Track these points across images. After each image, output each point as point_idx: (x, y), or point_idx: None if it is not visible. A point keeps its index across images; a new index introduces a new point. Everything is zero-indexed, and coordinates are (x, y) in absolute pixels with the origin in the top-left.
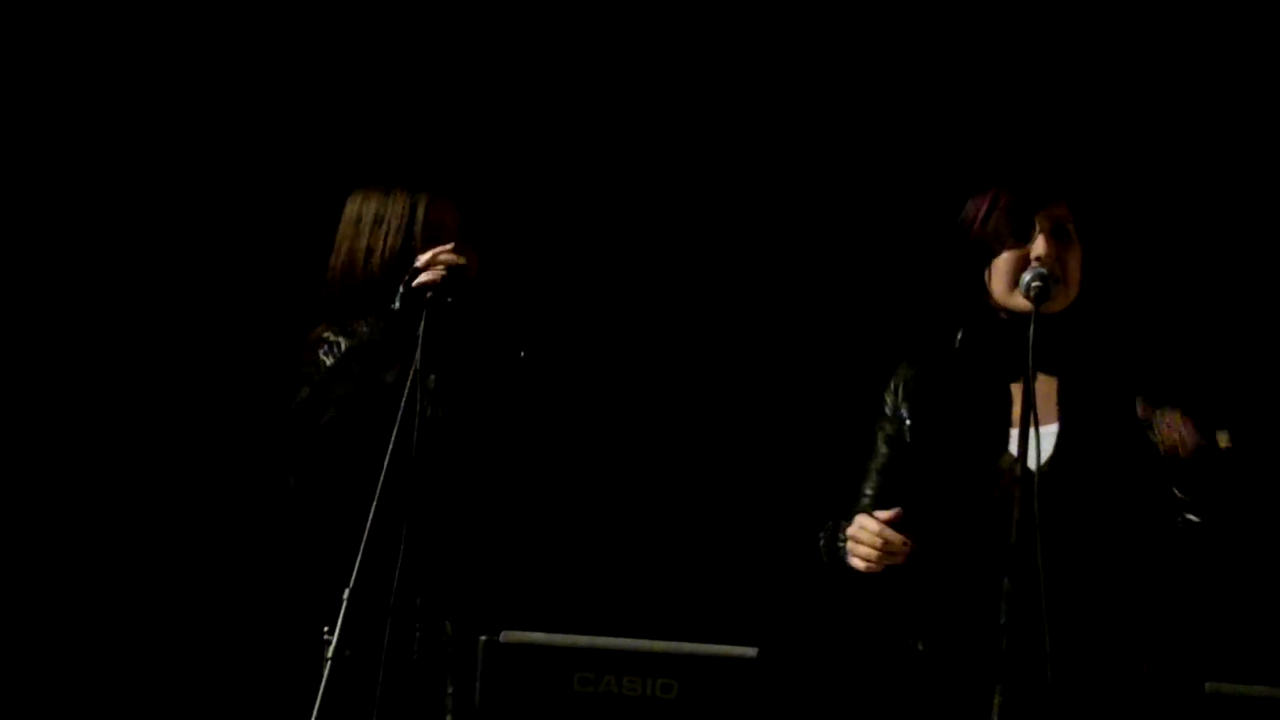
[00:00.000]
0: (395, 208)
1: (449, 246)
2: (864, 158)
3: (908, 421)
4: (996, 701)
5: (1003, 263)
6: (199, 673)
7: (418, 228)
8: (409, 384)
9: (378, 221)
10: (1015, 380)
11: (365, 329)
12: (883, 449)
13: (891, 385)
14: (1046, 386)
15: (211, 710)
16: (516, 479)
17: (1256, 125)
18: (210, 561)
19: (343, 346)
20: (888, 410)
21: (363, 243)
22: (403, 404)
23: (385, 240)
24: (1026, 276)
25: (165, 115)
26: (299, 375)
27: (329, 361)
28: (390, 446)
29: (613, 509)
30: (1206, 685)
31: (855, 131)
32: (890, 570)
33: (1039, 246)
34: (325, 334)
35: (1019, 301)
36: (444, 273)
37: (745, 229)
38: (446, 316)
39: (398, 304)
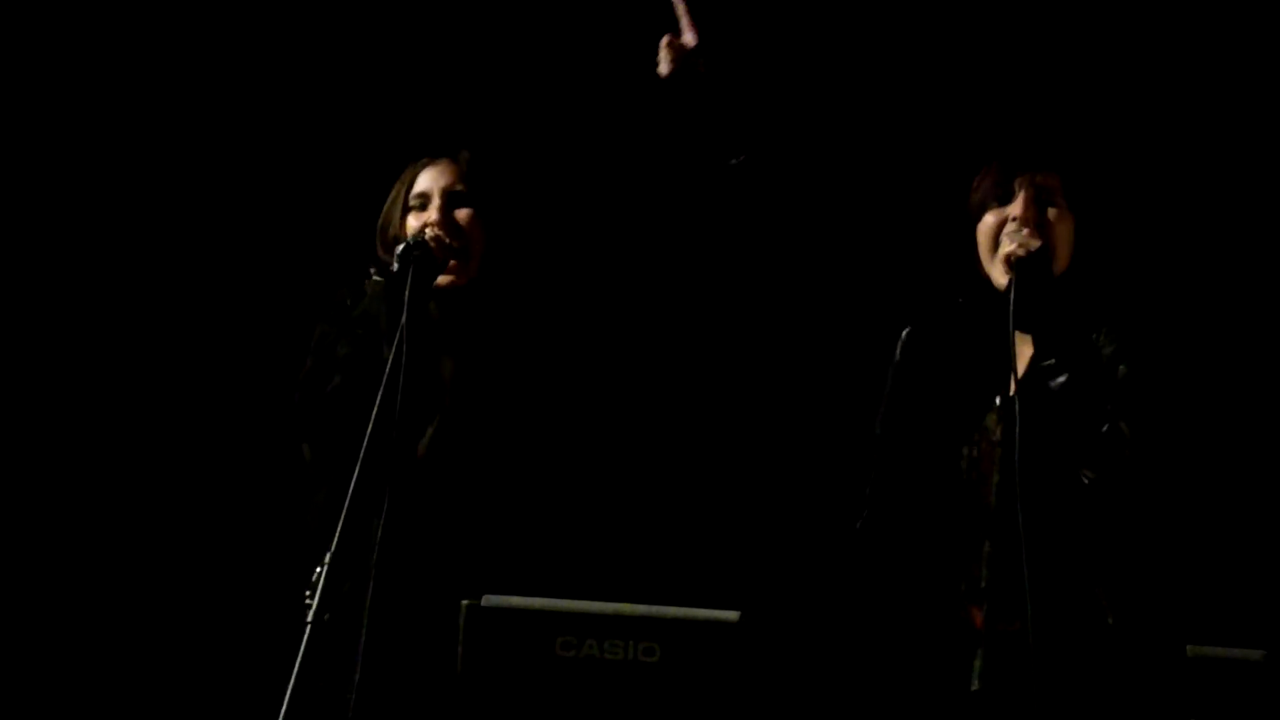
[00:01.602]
0: (397, 184)
1: (432, 219)
2: (881, 125)
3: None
4: (977, 665)
5: (983, 227)
6: (180, 639)
7: (411, 193)
8: (394, 345)
9: (397, 189)
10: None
11: (368, 295)
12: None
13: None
14: (1026, 353)
15: (194, 675)
16: (501, 445)
17: (1252, 104)
18: (201, 528)
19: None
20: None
21: (386, 209)
22: (388, 367)
23: (395, 207)
24: (1009, 246)
25: (175, 79)
26: (321, 314)
27: (350, 303)
28: (374, 410)
29: (595, 473)
30: (1188, 648)
31: (872, 103)
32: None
33: (1016, 207)
34: (340, 294)
35: (996, 273)
36: (425, 237)
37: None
38: (430, 283)
39: (395, 266)
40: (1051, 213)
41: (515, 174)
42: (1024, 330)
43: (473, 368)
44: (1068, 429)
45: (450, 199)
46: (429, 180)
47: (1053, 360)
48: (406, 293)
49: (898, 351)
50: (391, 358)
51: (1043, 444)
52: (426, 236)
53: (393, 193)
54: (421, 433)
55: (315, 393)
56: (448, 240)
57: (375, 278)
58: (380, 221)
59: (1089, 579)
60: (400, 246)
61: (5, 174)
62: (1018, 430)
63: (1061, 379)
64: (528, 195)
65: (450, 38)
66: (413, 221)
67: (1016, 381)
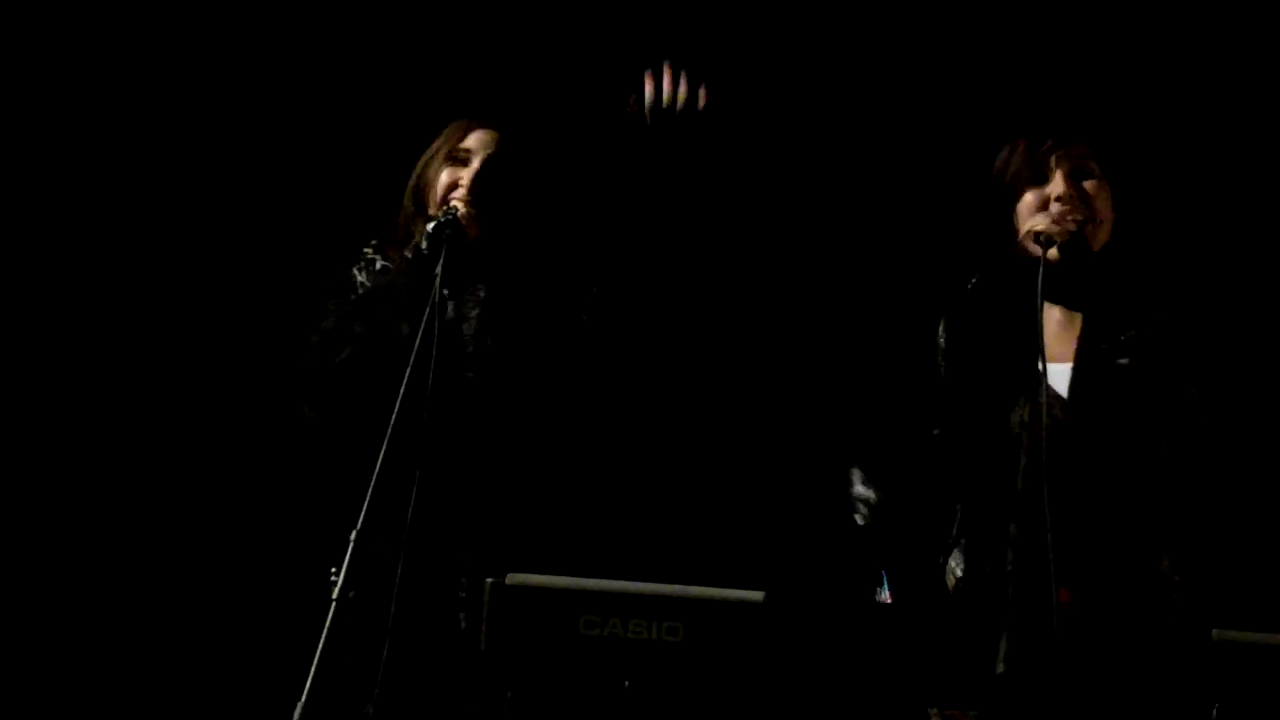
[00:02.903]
0: (442, 138)
1: (462, 182)
2: (905, 104)
3: (943, 349)
4: (1003, 648)
5: (1024, 206)
6: (206, 617)
7: (454, 155)
8: (424, 322)
9: (431, 153)
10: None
11: (392, 270)
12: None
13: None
14: (1073, 325)
15: (220, 653)
16: (527, 423)
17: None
18: (227, 506)
19: (377, 265)
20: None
21: (418, 173)
22: (417, 343)
23: (429, 167)
24: (1039, 226)
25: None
26: (330, 289)
27: (360, 278)
28: (403, 388)
29: (620, 451)
30: (1214, 632)
31: (894, 80)
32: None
33: (1056, 186)
34: (366, 250)
35: (1035, 247)
36: (459, 215)
37: (771, 176)
38: (464, 257)
39: (424, 244)
40: (1090, 185)
41: (547, 155)
42: (1073, 308)
43: (494, 331)
44: (1131, 410)
45: (488, 165)
46: (477, 142)
47: (1110, 343)
48: (439, 267)
49: (942, 337)
50: (422, 334)
51: (1100, 425)
52: (459, 213)
53: (432, 149)
54: (447, 400)
55: (326, 361)
56: (473, 211)
57: (406, 254)
58: (416, 178)
59: (1117, 563)
60: (430, 225)
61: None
62: (1044, 413)
63: (1124, 359)
64: (556, 177)
65: (470, 17)
66: (445, 176)
67: (1043, 361)
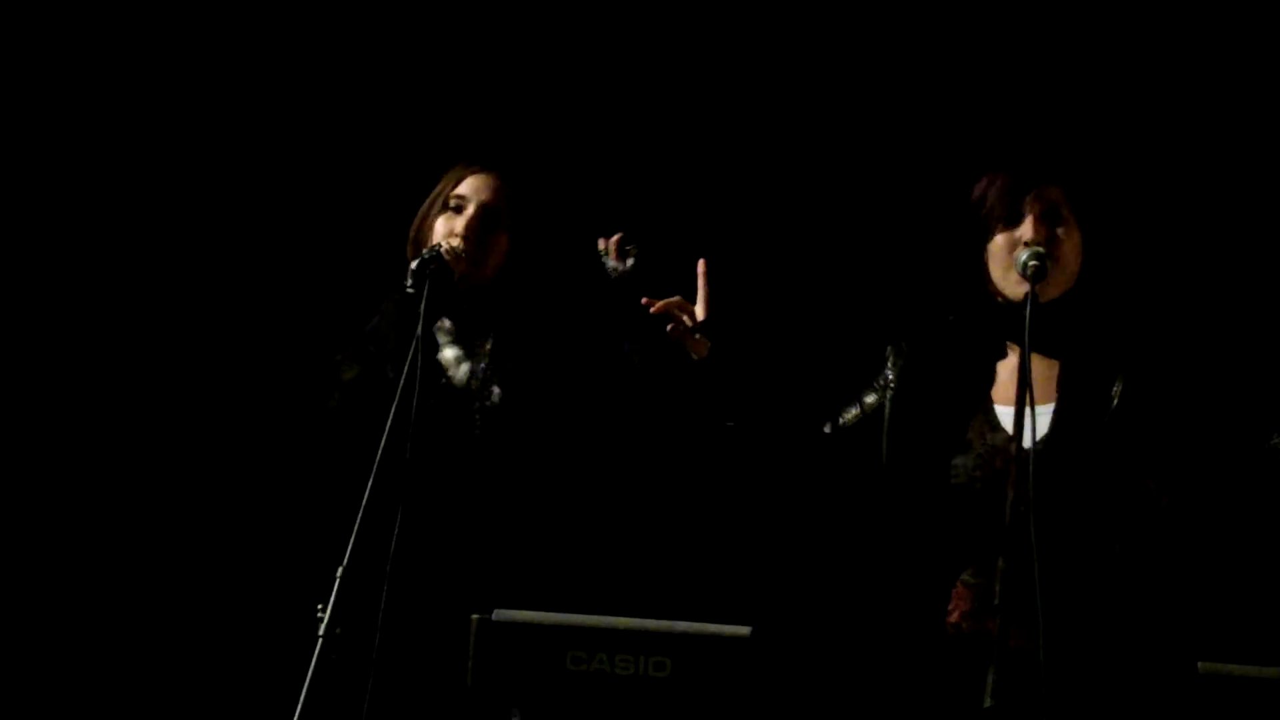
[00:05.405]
0: (440, 185)
1: (457, 231)
2: (875, 133)
3: (891, 386)
4: (990, 681)
5: (995, 247)
6: (193, 653)
7: (448, 203)
8: (409, 360)
9: (429, 202)
10: (1002, 361)
11: (382, 314)
12: (870, 397)
13: (891, 355)
14: (1043, 369)
15: (207, 689)
16: (513, 460)
17: (1254, 110)
18: (216, 541)
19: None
20: (886, 375)
21: (417, 224)
22: (402, 381)
23: (429, 215)
24: (1023, 255)
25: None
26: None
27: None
28: (388, 426)
29: (606, 486)
30: (1200, 665)
31: (866, 109)
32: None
33: (1026, 230)
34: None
35: (1012, 287)
36: (443, 250)
37: (749, 212)
38: (445, 298)
39: (409, 281)
40: (1060, 231)
41: (550, 199)
42: (1045, 351)
43: (510, 373)
44: (1114, 451)
45: (486, 214)
46: (470, 188)
47: (1093, 386)
48: (423, 306)
49: (890, 370)
50: (407, 370)
51: (1070, 466)
52: (443, 249)
53: (431, 195)
54: (449, 442)
55: (318, 408)
56: (464, 251)
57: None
58: (415, 229)
59: (1103, 595)
60: (415, 263)
61: (49, 184)
62: (1032, 449)
63: (1111, 402)
64: (559, 220)
65: (495, 53)
66: (441, 226)
67: (1031, 395)
